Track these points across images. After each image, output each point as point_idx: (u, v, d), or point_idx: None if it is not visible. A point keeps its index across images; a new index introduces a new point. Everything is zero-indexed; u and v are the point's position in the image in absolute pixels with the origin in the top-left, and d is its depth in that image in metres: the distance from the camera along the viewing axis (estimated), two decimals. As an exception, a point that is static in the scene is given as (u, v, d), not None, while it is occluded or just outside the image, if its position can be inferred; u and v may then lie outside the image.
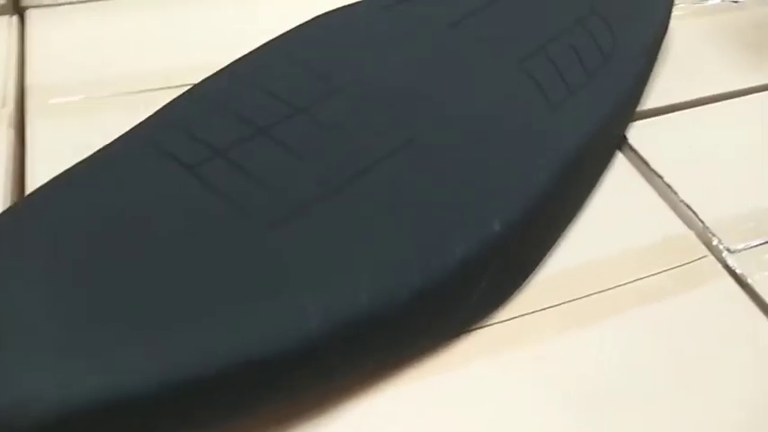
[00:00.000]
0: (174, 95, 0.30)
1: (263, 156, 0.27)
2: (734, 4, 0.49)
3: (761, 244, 0.32)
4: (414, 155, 0.28)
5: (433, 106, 0.31)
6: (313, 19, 0.36)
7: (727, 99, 0.41)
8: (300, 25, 0.35)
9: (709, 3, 0.49)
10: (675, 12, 0.47)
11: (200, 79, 0.31)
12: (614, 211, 0.34)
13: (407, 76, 0.32)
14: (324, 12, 0.36)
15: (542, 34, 0.37)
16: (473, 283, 0.28)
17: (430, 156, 0.29)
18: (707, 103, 0.40)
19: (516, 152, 0.30)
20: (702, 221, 0.33)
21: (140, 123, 0.29)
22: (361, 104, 0.30)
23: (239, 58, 0.33)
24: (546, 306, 0.29)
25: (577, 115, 0.33)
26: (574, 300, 0.30)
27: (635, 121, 0.38)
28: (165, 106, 0.30)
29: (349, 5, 0.38)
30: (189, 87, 0.31)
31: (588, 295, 0.30)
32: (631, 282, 0.31)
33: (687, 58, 0.43)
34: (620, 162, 0.36)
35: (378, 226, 0.26)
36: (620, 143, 0.37)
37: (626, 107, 0.37)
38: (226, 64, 0.32)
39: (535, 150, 0.30)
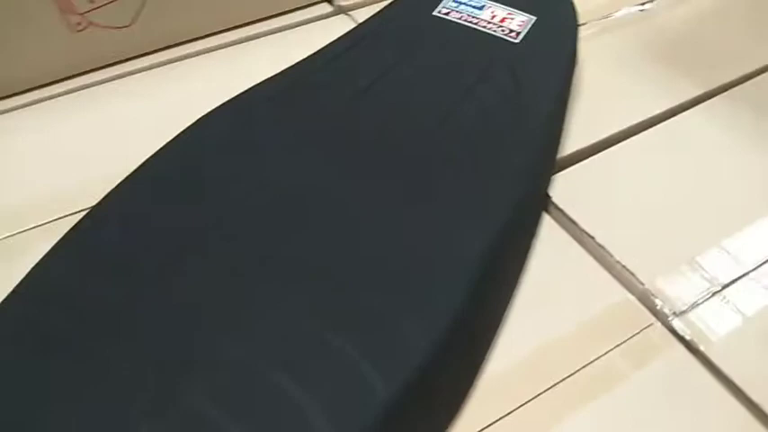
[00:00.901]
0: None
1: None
2: (641, 12, 0.47)
3: (704, 300, 0.31)
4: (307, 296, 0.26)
5: (323, 228, 0.29)
6: (193, 127, 0.33)
7: (648, 127, 0.39)
8: (179, 139, 0.32)
9: (617, 15, 0.47)
10: (584, 31, 0.45)
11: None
12: (551, 285, 0.31)
13: (294, 192, 0.30)
14: (206, 114, 0.33)
15: (441, 107, 0.34)
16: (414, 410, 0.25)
17: (328, 294, 0.26)
18: (627, 137, 0.38)
19: (422, 270, 0.27)
20: (642, 283, 0.31)
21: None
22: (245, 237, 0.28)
23: (107, 195, 0.30)
24: (495, 418, 0.27)
25: (489, 207, 0.31)
26: (524, 404, 0.28)
27: (557, 172, 0.36)
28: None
29: (234, 99, 0.34)
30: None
31: (538, 395, 0.28)
32: (582, 368, 0.29)
33: (601, 88, 0.41)
34: (548, 226, 0.34)
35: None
36: (546, 202, 0.35)
37: (539, 178, 0.35)
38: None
39: (442, 265, 0.27)
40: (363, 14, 0.46)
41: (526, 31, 0.39)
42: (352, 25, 0.46)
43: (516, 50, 0.38)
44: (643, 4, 0.48)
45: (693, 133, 0.39)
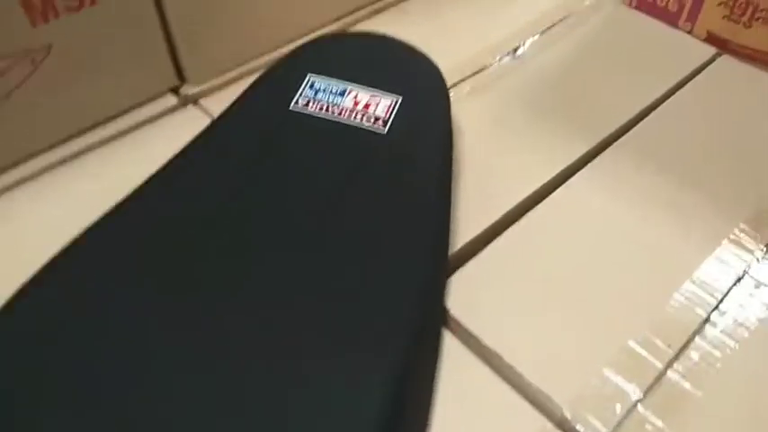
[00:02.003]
0: None
1: None
2: (514, 60, 0.45)
3: (620, 420, 0.28)
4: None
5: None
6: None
7: (538, 200, 0.36)
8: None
9: (491, 69, 0.44)
10: (459, 91, 0.42)
11: None
12: (462, 417, 0.28)
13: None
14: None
15: (309, 222, 0.30)
16: None
17: None
18: (518, 216, 0.35)
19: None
20: (560, 407, 0.28)
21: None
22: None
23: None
24: None
25: (383, 337, 0.27)
26: None
27: (450, 274, 0.33)
28: None
29: (60, 267, 0.29)
30: None
31: None
32: None
33: (484, 162, 0.38)
34: (450, 344, 0.30)
35: None
36: (444, 316, 0.31)
37: (435, 289, 0.31)
38: None
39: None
40: (212, 103, 0.41)
41: (393, 115, 0.35)
42: (203, 116, 0.41)
43: (385, 142, 0.34)
44: (515, 50, 0.45)
45: (582, 201, 0.36)
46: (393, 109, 0.35)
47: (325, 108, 0.35)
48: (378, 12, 0.48)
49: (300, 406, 0.25)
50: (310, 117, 0.35)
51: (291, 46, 0.44)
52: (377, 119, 0.35)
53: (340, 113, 0.35)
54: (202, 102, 0.42)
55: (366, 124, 0.35)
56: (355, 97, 0.36)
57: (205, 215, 0.31)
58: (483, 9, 0.49)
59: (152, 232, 0.30)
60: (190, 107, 0.42)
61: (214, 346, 0.26)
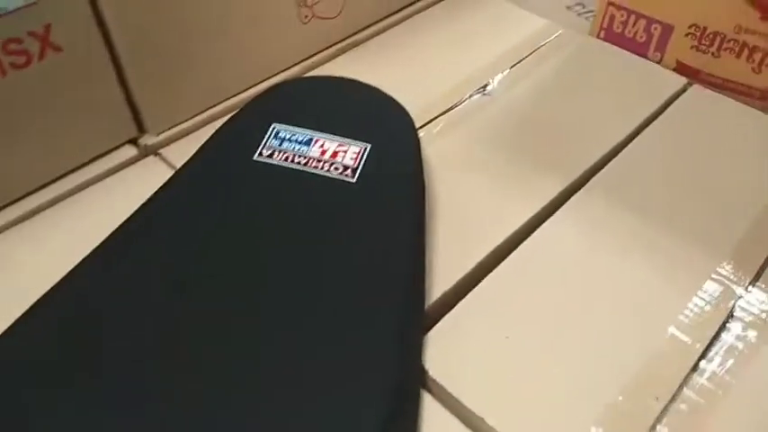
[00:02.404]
0: None
1: None
2: (484, 97, 0.44)
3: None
4: None
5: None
6: None
7: (514, 245, 0.35)
8: None
9: (461, 106, 0.43)
10: (431, 130, 0.41)
11: None
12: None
13: None
14: None
15: (281, 278, 0.29)
16: None
17: None
18: (494, 263, 0.34)
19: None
20: (548, 473, 0.27)
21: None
22: None
23: None
24: None
25: (359, 400, 0.26)
26: None
27: (428, 330, 0.31)
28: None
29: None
30: None
31: None
32: None
33: (457, 204, 0.37)
34: (431, 410, 0.29)
35: None
36: (423, 377, 0.30)
37: (412, 347, 0.30)
38: None
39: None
40: (173, 153, 0.40)
41: (362, 163, 0.34)
42: (164, 168, 0.39)
43: (355, 192, 0.33)
44: (484, 87, 0.44)
45: (559, 247, 0.35)
46: (362, 157, 0.34)
47: (290, 158, 0.34)
48: (340, 52, 0.47)
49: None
50: (276, 168, 0.33)
51: (253, 91, 0.43)
52: (345, 168, 0.34)
53: (307, 163, 0.34)
54: (163, 152, 0.40)
55: (334, 174, 0.33)
56: (322, 146, 0.34)
57: (169, 277, 0.29)
58: (449, 46, 0.48)
59: (110, 298, 0.29)
60: (150, 158, 0.40)
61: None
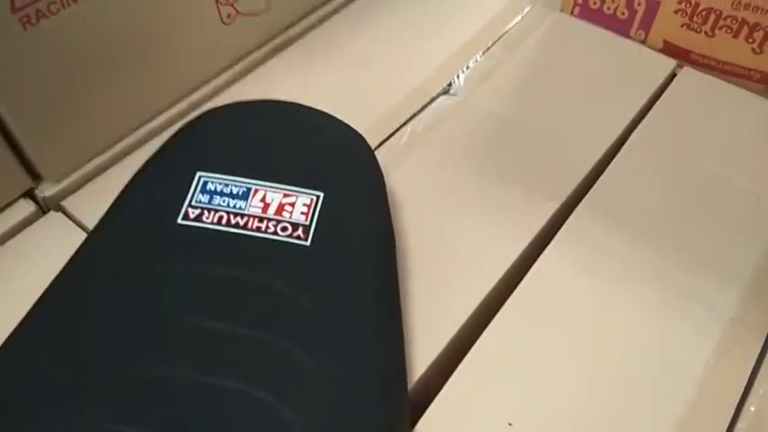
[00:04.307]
0: None
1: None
2: (449, 99, 0.37)
3: None
4: None
5: None
6: None
7: (502, 294, 0.29)
8: None
9: (426, 113, 0.37)
10: (394, 144, 0.35)
11: None
12: None
13: None
14: None
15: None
16: None
17: None
18: (483, 323, 0.28)
19: None
20: None
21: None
22: None
23: None
24: None
25: None
26: None
27: (415, 422, 0.26)
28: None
29: None
30: None
31: None
32: None
33: (431, 253, 0.30)
34: None
35: None
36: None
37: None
38: None
39: None
40: (78, 205, 0.32)
41: (316, 219, 0.27)
42: (69, 225, 0.32)
43: (310, 259, 0.26)
44: (449, 86, 0.38)
45: (558, 291, 0.29)
46: (314, 210, 0.27)
47: (225, 219, 0.27)
48: (272, 54, 0.39)
49: None
50: (207, 234, 0.27)
51: (170, 113, 0.36)
52: (295, 227, 0.27)
53: (246, 225, 0.27)
54: (66, 204, 0.32)
55: (282, 236, 0.27)
56: (263, 199, 0.28)
57: (81, 371, 0.23)
58: (399, 39, 0.41)
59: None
60: (52, 214, 0.32)
61: None
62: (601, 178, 0.34)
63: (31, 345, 0.25)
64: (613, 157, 0.35)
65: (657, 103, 0.37)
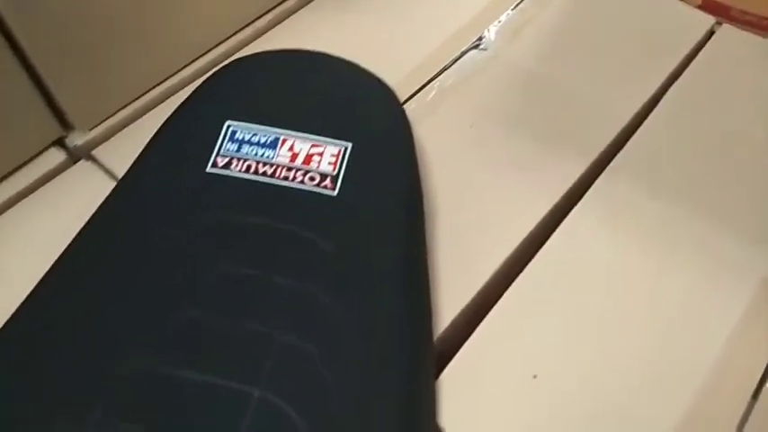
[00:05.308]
0: None
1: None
2: (480, 53, 0.37)
3: None
4: None
5: None
6: None
7: (530, 250, 0.29)
8: None
9: (455, 66, 0.36)
10: (421, 99, 0.34)
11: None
12: None
13: None
14: None
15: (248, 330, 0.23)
16: None
17: None
18: (509, 278, 0.28)
19: None
20: None
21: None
22: None
23: None
24: None
25: None
26: None
27: (439, 372, 0.26)
28: None
29: None
30: None
31: None
32: None
33: (460, 203, 0.30)
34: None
35: None
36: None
37: (424, 398, 0.25)
38: None
39: None
40: (108, 154, 0.32)
41: (343, 169, 0.27)
42: (100, 175, 0.32)
43: (338, 209, 0.26)
44: (479, 40, 0.37)
45: (585, 251, 0.29)
46: (342, 160, 0.27)
47: (253, 167, 0.27)
48: (298, 7, 0.39)
49: None
50: (235, 182, 0.27)
51: (197, 65, 0.35)
52: (323, 177, 0.27)
53: (274, 174, 0.27)
54: (96, 154, 0.33)
55: (310, 185, 0.27)
56: (291, 148, 0.28)
57: (119, 319, 0.24)
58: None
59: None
60: (82, 163, 0.33)
61: None
62: (633, 137, 0.33)
63: (63, 291, 0.25)
64: (647, 117, 0.34)
65: (694, 61, 0.36)
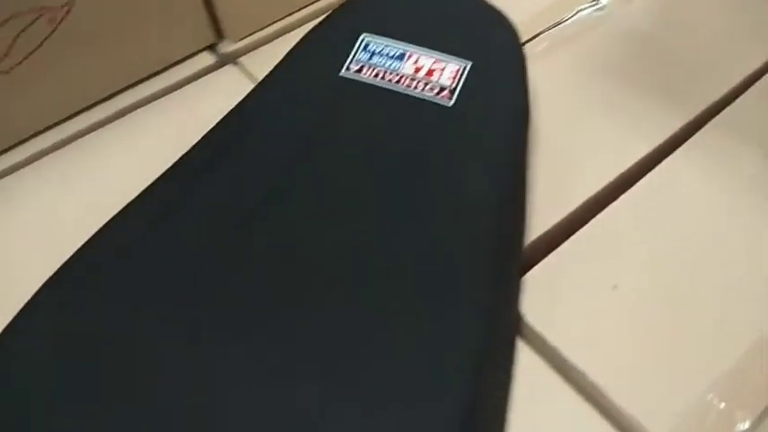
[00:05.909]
0: None
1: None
2: (596, 12, 0.39)
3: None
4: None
5: None
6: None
7: (624, 186, 0.31)
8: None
9: (569, 22, 0.38)
10: (534, 47, 0.37)
11: None
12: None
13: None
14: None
15: (366, 219, 0.27)
16: None
17: None
18: (602, 205, 0.30)
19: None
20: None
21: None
22: None
23: None
24: None
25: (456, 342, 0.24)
26: None
27: (525, 272, 0.28)
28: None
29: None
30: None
31: None
32: None
33: (562, 135, 0.33)
34: (526, 358, 0.27)
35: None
36: (519, 324, 0.27)
37: (509, 289, 0.27)
38: None
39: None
40: (252, 62, 0.37)
41: (461, 84, 0.30)
42: (242, 78, 0.36)
43: (451, 117, 0.29)
44: (597, 0, 0.39)
45: (678, 191, 0.31)
46: (461, 76, 0.30)
47: (381, 75, 0.31)
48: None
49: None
50: (364, 86, 0.30)
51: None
52: (442, 89, 0.30)
53: (399, 81, 0.30)
54: (242, 60, 0.37)
55: (429, 95, 0.30)
56: (416, 62, 0.31)
57: (245, 206, 0.27)
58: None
59: (186, 225, 0.27)
60: (228, 67, 0.37)
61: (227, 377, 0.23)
62: (736, 101, 0.34)
63: (203, 170, 0.29)
64: (754, 83, 0.35)
65: (810, 37, 0.37)
